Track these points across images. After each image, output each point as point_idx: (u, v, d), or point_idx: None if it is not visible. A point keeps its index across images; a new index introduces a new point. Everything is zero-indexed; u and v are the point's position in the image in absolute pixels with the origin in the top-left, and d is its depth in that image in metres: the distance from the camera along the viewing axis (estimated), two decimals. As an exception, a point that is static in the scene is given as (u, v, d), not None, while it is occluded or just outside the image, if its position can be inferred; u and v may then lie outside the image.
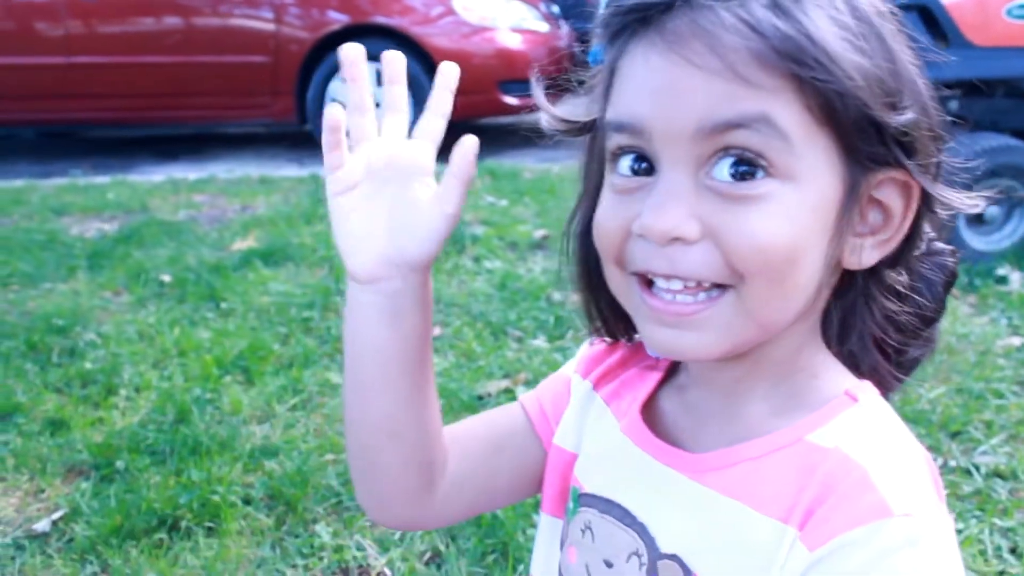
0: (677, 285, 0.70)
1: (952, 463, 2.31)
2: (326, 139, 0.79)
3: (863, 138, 0.68)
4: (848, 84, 0.66)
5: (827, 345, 0.78)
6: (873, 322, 0.77)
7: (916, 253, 0.77)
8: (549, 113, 0.84)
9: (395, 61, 0.85)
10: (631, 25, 0.71)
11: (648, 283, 0.72)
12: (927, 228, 0.76)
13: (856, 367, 0.78)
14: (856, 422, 0.73)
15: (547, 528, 0.91)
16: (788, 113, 0.66)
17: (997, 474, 2.27)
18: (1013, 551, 2.01)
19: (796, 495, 0.70)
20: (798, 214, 0.67)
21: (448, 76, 0.84)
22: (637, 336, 0.88)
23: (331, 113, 0.79)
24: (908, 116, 0.68)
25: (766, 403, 0.77)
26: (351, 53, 0.83)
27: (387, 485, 0.86)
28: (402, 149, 0.82)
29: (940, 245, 0.80)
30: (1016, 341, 2.98)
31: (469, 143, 0.80)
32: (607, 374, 0.89)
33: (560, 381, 0.92)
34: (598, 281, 0.81)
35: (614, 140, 0.72)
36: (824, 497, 0.68)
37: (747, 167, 0.67)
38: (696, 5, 0.67)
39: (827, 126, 0.67)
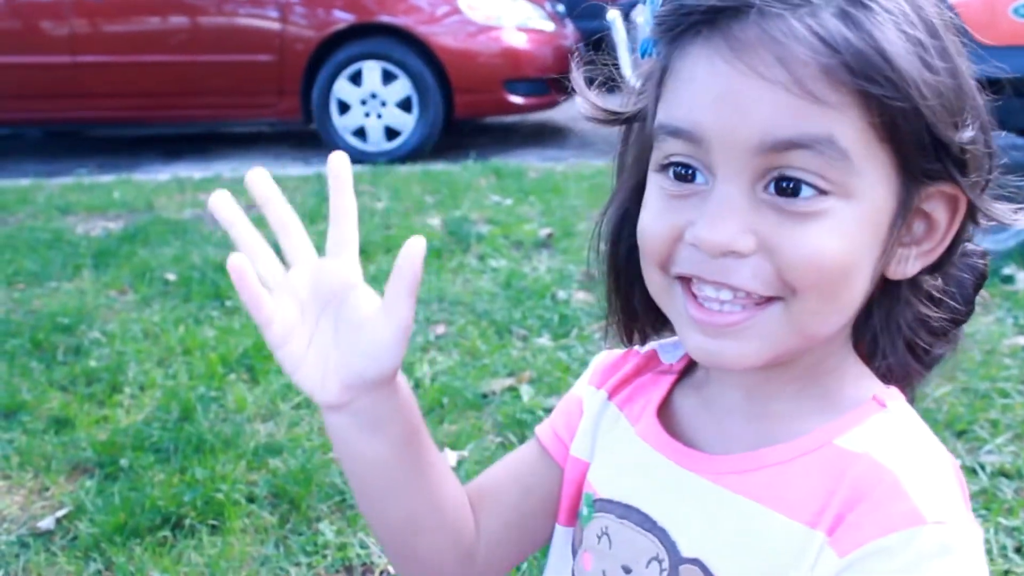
0: (727, 295, 0.69)
1: (957, 462, 2.30)
2: (244, 296, 0.73)
3: (922, 155, 0.67)
4: (917, 103, 0.65)
5: (863, 349, 0.78)
6: (906, 326, 0.77)
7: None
8: (589, 101, 0.81)
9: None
10: (696, 26, 0.68)
11: (692, 291, 0.71)
12: (964, 233, 0.76)
13: (886, 367, 0.78)
14: (885, 428, 0.72)
15: (561, 537, 0.90)
16: (852, 131, 0.65)
17: (1003, 473, 2.26)
18: (1018, 550, 2.00)
19: (825, 499, 0.69)
20: (854, 230, 0.67)
21: (340, 176, 0.75)
22: (650, 343, 0.88)
23: (234, 264, 0.72)
24: (969, 133, 0.68)
25: (792, 404, 0.76)
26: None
27: (427, 570, 0.86)
28: (322, 274, 0.76)
29: (971, 247, 0.79)
30: (1022, 341, 2.97)
31: (414, 247, 0.73)
32: (622, 382, 0.88)
33: (571, 401, 0.92)
34: (627, 279, 0.81)
35: (667, 146, 0.70)
36: (855, 503, 0.68)
37: (803, 186, 0.66)
38: (767, 13, 0.65)
39: (888, 143, 0.66)
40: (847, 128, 0.65)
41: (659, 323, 0.83)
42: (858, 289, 0.70)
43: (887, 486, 0.67)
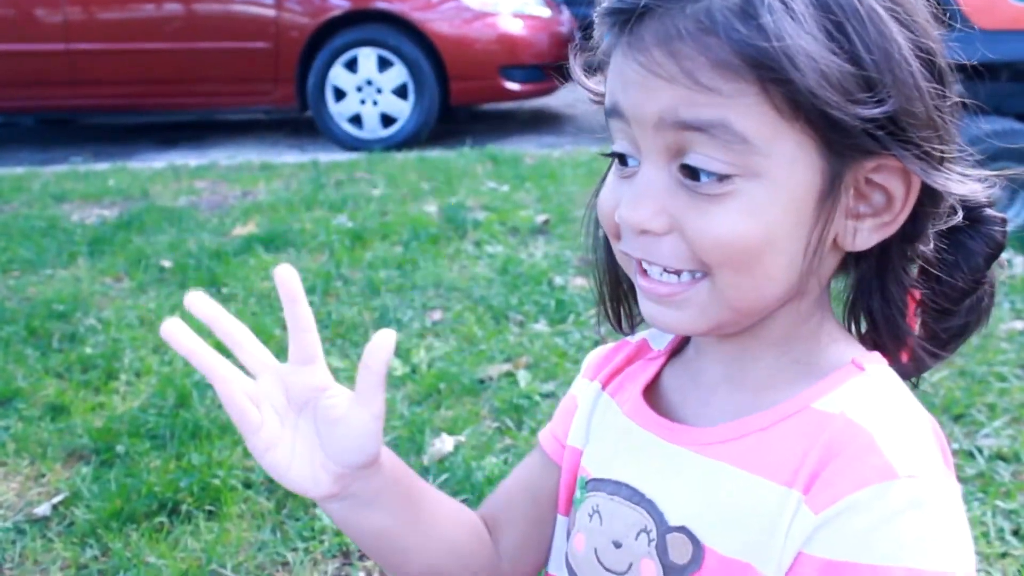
0: (657, 269, 0.74)
1: (955, 446, 2.30)
2: (231, 409, 0.76)
3: (837, 132, 0.68)
4: (802, 83, 0.66)
5: (851, 320, 0.79)
6: (891, 298, 0.77)
7: (934, 228, 0.75)
8: (584, 86, 0.85)
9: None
10: (613, 27, 0.73)
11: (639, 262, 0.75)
12: (980, 199, 0.75)
13: (881, 342, 0.78)
14: (863, 389, 0.73)
15: (561, 527, 0.92)
16: (751, 115, 0.67)
17: (1000, 457, 2.26)
18: (1015, 533, 2.00)
19: (801, 459, 0.70)
20: (765, 209, 0.69)
21: (289, 286, 0.77)
22: (640, 332, 0.90)
23: (219, 376, 0.76)
24: (884, 108, 0.67)
25: (771, 372, 0.77)
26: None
27: None
28: (293, 381, 0.78)
29: (989, 213, 0.78)
30: (1019, 325, 2.97)
31: (383, 339, 0.75)
32: (614, 372, 0.91)
33: (567, 400, 0.95)
34: (612, 260, 0.83)
35: (612, 124, 0.75)
36: (828, 460, 0.69)
37: (703, 172, 0.69)
38: (661, 12, 0.68)
39: (799, 122, 0.67)
40: (744, 113, 0.67)
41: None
42: (780, 264, 0.71)
43: (860, 443, 0.68)
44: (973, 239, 0.78)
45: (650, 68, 0.68)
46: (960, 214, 0.76)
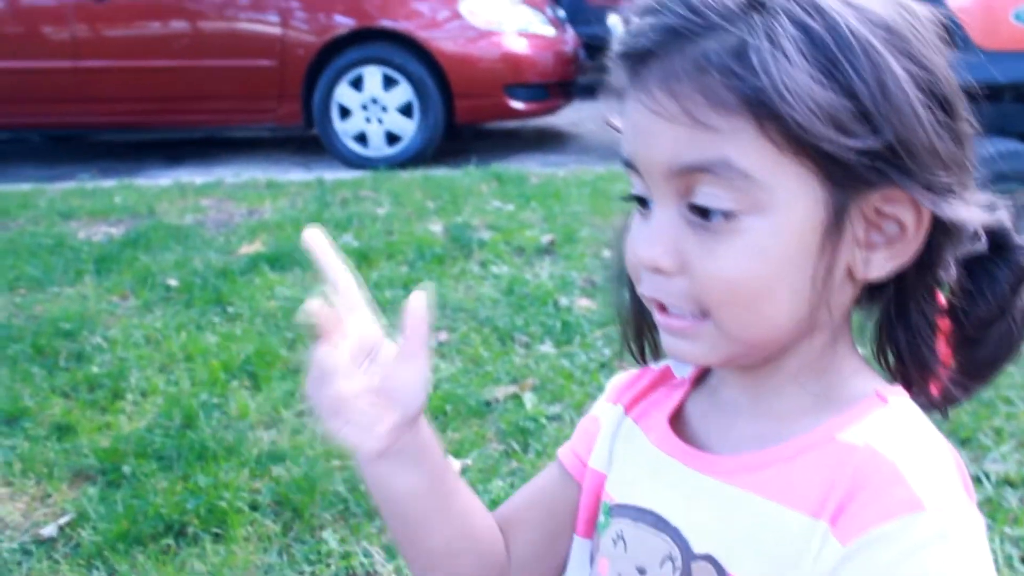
0: (672, 304, 0.75)
1: (971, 482, 2.29)
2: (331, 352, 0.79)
3: (834, 164, 0.69)
4: (799, 118, 0.67)
5: (880, 354, 0.79)
6: (914, 328, 0.77)
7: (954, 256, 0.75)
8: (612, 126, 0.86)
9: (317, 241, 0.82)
10: (624, 71, 0.75)
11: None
12: (1005, 225, 0.76)
13: (909, 374, 0.78)
14: (886, 421, 0.73)
15: (579, 549, 0.92)
16: (749, 151, 0.68)
17: (1007, 482, 2.26)
18: (1024, 560, 2.00)
19: (827, 491, 0.71)
20: (770, 244, 0.70)
21: (319, 247, 0.82)
22: (664, 359, 0.91)
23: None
24: (880, 140, 0.68)
25: (793, 403, 0.78)
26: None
27: None
28: (361, 332, 0.82)
29: (1015, 241, 0.78)
30: (1025, 348, 2.97)
31: (418, 300, 0.82)
32: (637, 397, 0.91)
33: (589, 420, 0.95)
34: (634, 294, 0.84)
35: (627, 172, 0.78)
36: (855, 492, 0.69)
37: (710, 208, 0.71)
38: (662, 54, 0.71)
39: (796, 156, 0.68)
40: (743, 149, 0.68)
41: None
42: (785, 298, 0.72)
43: (887, 475, 0.69)
44: (998, 266, 0.78)
45: (653, 109, 0.71)
46: (984, 241, 0.75)
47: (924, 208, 0.71)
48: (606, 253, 0.90)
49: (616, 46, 0.75)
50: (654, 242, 0.74)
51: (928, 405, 0.78)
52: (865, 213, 0.72)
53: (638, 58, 0.73)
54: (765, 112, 0.67)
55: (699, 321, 0.74)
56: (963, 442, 2.42)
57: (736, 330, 0.73)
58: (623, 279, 0.86)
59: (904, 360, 0.78)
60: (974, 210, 0.73)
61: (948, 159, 0.71)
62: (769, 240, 0.70)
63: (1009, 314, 0.78)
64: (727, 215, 0.70)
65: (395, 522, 0.88)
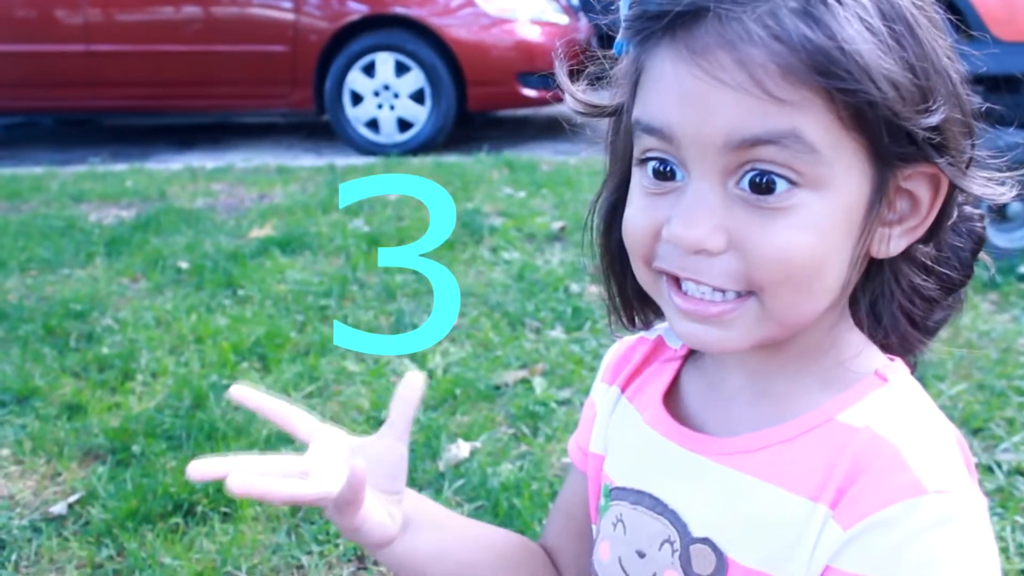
0: (706, 289, 0.71)
1: (973, 460, 2.28)
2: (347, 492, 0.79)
3: (892, 142, 0.67)
4: (878, 94, 0.65)
5: (857, 322, 0.78)
6: (902, 297, 0.77)
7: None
8: (574, 96, 0.83)
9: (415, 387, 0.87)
10: (653, 34, 0.69)
11: (676, 279, 0.72)
12: (1004, 198, 0.76)
13: (885, 337, 0.78)
14: (886, 402, 0.73)
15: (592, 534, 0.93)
16: (817, 125, 0.65)
17: (1019, 471, 2.24)
18: (1035, 549, 1.99)
19: (827, 474, 0.70)
20: (825, 221, 0.68)
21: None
22: (656, 327, 0.89)
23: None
24: (939, 116, 0.67)
25: (794, 383, 0.77)
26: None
27: None
28: (340, 442, 0.87)
29: (969, 210, 0.79)
30: (1038, 339, 2.95)
31: (414, 380, 0.85)
32: (632, 375, 0.90)
33: (587, 407, 0.94)
34: (620, 267, 0.82)
35: (644, 142, 0.72)
36: (856, 476, 0.69)
37: (776, 180, 0.66)
38: (724, 15, 0.65)
39: (856, 132, 0.66)
40: (812, 122, 0.65)
41: (657, 307, 0.84)
42: (832, 277, 0.70)
43: (887, 458, 0.68)
44: (960, 235, 0.79)
45: (715, 75, 0.65)
46: (956, 213, 0.76)
47: (942, 183, 0.71)
48: (595, 236, 0.89)
49: (647, 3, 0.69)
50: (697, 221, 0.68)
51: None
52: (891, 191, 0.71)
53: (689, 16, 0.66)
54: (839, 85, 0.64)
55: (738, 303, 0.70)
56: (975, 432, 2.41)
57: (782, 309, 0.70)
58: (615, 259, 0.83)
59: (887, 331, 0.78)
60: (988, 184, 0.73)
61: (974, 135, 0.72)
62: (825, 216, 0.67)
63: (969, 279, 0.80)
64: (788, 190, 0.67)
65: None
